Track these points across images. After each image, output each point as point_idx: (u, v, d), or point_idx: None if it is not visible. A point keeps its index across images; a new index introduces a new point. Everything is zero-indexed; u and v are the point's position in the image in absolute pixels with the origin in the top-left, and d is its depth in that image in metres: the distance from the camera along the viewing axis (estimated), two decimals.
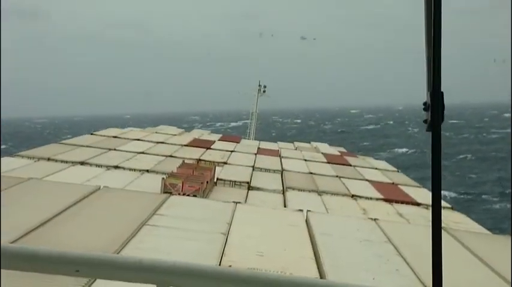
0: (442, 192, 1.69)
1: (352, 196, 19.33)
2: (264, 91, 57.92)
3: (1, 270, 2.15)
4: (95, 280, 5.86)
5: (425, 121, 1.61)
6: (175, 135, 33.58)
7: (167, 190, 15.31)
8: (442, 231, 8.76)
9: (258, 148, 31.99)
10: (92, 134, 29.43)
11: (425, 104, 1.61)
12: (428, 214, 17.36)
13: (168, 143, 28.40)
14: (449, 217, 17.52)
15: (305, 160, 28.23)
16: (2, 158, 18.35)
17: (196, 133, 38.85)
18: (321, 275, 7.48)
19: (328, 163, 28.41)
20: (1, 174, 14.04)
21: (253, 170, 23.00)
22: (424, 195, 20.26)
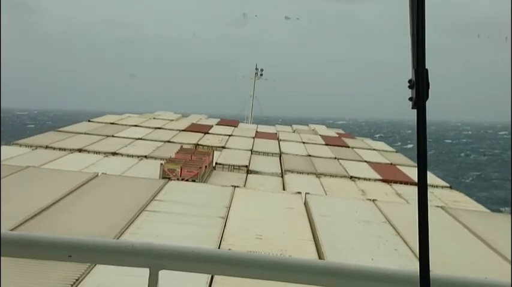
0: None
1: (351, 177, 19.37)
2: (261, 75, 57.75)
3: None
4: (95, 265, 5.88)
5: (410, 99, 1.61)
6: (172, 120, 33.53)
7: (166, 176, 15.33)
8: (441, 210, 8.73)
9: (256, 132, 31.98)
10: (89, 121, 29.37)
11: (410, 81, 1.60)
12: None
13: (165, 129, 28.38)
14: (448, 196, 17.59)
15: (303, 143, 28.24)
16: None
17: (194, 118, 38.76)
18: (320, 256, 7.50)
19: (327, 145, 28.43)
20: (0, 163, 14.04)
21: (251, 154, 23.02)
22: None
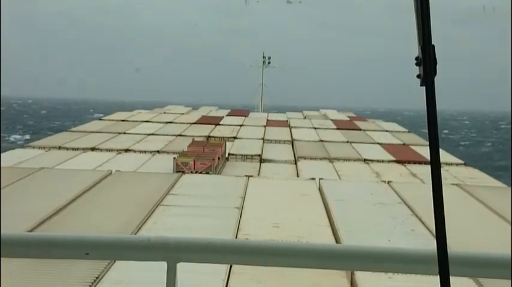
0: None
1: (364, 160, 19.31)
2: (269, 63, 57.50)
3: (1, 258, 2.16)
4: (114, 262, 5.93)
5: (418, 76, 1.58)
6: (183, 114, 33.61)
7: (179, 169, 15.37)
8: (457, 188, 8.69)
9: (267, 120, 31.96)
10: (100, 119, 29.53)
11: (417, 59, 1.58)
12: (442, 171, 17.23)
13: (176, 123, 28.45)
14: (463, 173, 17.47)
15: (314, 128, 28.19)
16: (13, 151, 18.50)
17: (204, 110, 38.82)
18: (337, 241, 7.49)
19: (338, 129, 28.35)
20: (13, 166, 14.17)
21: (263, 142, 23.01)
22: None
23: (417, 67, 1.58)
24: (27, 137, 68.01)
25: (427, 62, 1.55)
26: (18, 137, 72.30)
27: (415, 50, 1.60)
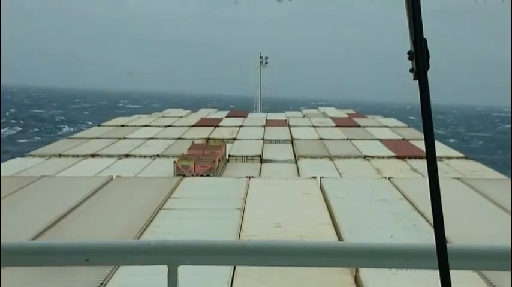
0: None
1: (364, 157, 19.31)
2: (266, 63, 57.47)
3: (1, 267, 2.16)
4: (117, 268, 5.93)
5: (411, 70, 1.58)
6: (182, 117, 33.58)
7: (180, 172, 15.37)
8: (458, 181, 8.67)
9: (266, 120, 31.94)
10: (99, 125, 29.50)
11: (409, 53, 1.58)
12: (442, 165, 17.30)
13: (176, 126, 28.43)
14: (464, 166, 17.47)
15: (314, 127, 28.17)
16: (13, 159, 18.48)
17: (203, 113, 38.81)
18: (339, 239, 7.49)
19: (337, 126, 28.34)
20: (14, 175, 14.17)
21: (263, 142, 23.01)
22: (437, 147, 20.15)
23: (409, 63, 1.59)
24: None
25: (419, 55, 1.56)
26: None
27: (403, 45, 1.60)
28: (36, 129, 76.57)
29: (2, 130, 67.90)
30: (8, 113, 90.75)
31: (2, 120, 74.97)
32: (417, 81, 1.57)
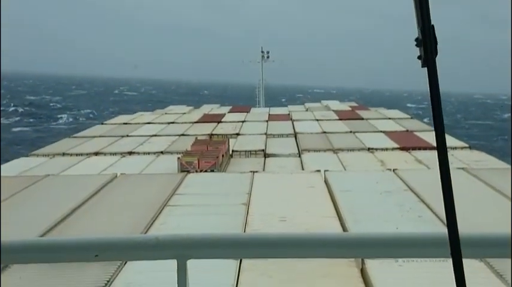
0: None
1: (368, 149, 19.28)
2: (268, 57, 57.33)
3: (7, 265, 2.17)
4: (125, 264, 5.95)
5: (419, 57, 1.56)
6: (184, 113, 33.60)
7: (184, 169, 15.38)
8: (463, 172, 8.65)
9: (269, 115, 31.90)
10: (102, 123, 29.55)
11: (417, 40, 1.56)
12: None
13: (178, 123, 28.44)
14: (468, 156, 17.43)
15: (317, 120, 28.14)
16: (17, 159, 18.52)
17: (206, 108, 38.82)
18: (345, 231, 7.50)
19: (340, 119, 28.30)
20: (19, 175, 14.21)
21: (266, 137, 22.99)
22: None
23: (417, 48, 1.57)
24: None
25: (427, 42, 1.54)
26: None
27: (407, 33, 1.58)
28: (32, 120, 76.28)
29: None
30: (5, 101, 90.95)
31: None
32: (425, 68, 1.55)
